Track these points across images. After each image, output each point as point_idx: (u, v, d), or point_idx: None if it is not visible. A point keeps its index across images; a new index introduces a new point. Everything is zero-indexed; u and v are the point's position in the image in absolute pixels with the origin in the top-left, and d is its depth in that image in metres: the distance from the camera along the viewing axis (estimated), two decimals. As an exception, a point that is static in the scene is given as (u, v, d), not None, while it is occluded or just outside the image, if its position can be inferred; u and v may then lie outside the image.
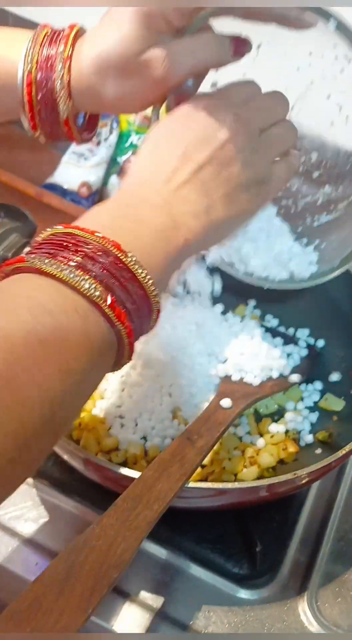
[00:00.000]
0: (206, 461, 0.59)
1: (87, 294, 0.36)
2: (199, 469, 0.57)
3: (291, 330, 0.71)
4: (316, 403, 0.65)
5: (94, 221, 0.41)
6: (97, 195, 1.06)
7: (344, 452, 0.52)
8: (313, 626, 0.54)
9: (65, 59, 0.48)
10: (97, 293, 0.36)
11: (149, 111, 1.01)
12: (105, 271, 0.37)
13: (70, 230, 0.39)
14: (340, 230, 0.57)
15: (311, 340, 0.70)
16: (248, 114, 0.47)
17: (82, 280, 0.36)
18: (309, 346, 0.69)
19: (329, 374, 0.67)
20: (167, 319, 0.64)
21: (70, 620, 0.36)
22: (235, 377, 0.63)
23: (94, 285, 0.36)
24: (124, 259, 0.38)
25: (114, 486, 0.53)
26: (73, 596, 0.37)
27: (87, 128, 0.56)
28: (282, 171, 0.49)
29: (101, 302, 0.37)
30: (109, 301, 0.37)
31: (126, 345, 0.39)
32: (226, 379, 0.62)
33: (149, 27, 0.45)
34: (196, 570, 0.57)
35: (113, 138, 1.06)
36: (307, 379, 0.67)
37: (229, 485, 0.52)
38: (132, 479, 0.47)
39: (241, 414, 0.59)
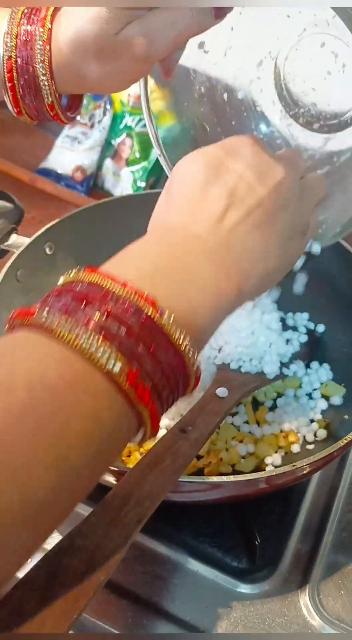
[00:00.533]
0: (202, 452, 0.57)
1: (104, 369, 0.29)
2: (194, 460, 0.55)
3: (289, 315, 0.69)
4: (316, 390, 0.63)
5: (129, 266, 0.35)
6: (92, 179, 1.04)
7: (345, 441, 0.49)
8: (315, 620, 0.52)
9: (45, 41, 0.46)
10: (117, 368, 0.29)
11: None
12: (132, 337, 0.30)
13: (97, 278, 0.32)
14: (341, 193, 0.54)
15: (311, 325, 0.68)
16: (295, 159, 0.44)
17: (99, 350, 0.29)
18: (309, 332, 0.67)
19: (330, 360, 0.65)
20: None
21: (55, 626, 0.34)
22: (233, 366, 0.61)
23: (113, 358, 0.29)
24: (159, 320, 0.31)
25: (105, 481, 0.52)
26: (57, 601, 0.35)
27: (71, 107, 0.54)
28: (314, 221, 0.45)
29: (121, 379, 0.29)
30: (130, 376, 0.30)
31: (148, 427, 0.32)
32: (223, 367, 0.60)
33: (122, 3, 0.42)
34: (194, 565, 0.55)
35: (107, 120, 1.03)
36: (307, 365, 0.64)
37: (226, 478, 0.50)
38: (123, 473, 0.46)
39: (237, 403, 0.56)
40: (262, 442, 0.59)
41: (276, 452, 0.58)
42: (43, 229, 0.63)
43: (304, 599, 0.54)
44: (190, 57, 0.52)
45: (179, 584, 0.54)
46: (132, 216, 0.73)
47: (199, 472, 0.57)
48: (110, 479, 0.48)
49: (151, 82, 0.54)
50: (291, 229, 0.41)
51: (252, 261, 0.38)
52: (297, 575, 0.55)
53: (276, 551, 0.56)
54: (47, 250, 0.65)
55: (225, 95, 0.56)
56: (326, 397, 0.62)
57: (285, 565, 0.56)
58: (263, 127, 0.56)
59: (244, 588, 0.54)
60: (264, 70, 0.54)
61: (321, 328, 0.68)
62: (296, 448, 0.59)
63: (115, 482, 0.45)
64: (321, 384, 0.63)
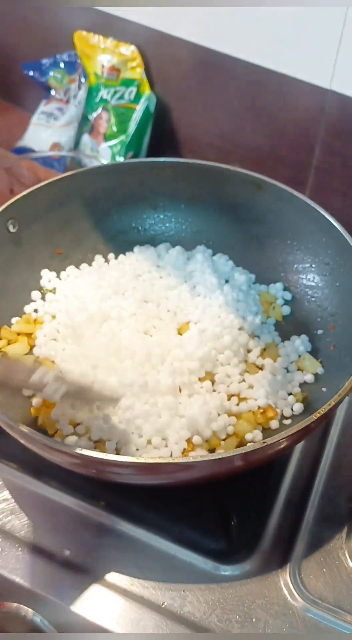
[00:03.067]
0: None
1: None
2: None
3: (263, 287, 0.66)
4: (292, 363, 0.61)
5: None
6: (68, 158, 1.00)
7: (319, 414, 0.47)
8: (297, 601, 0.50)
9: None
10: None
11: (116, 61, 0.95)
12: None
13: None
14: None
15: (288, 296, 0.65)
16: None
17: None
18: (286, 302, 0.64)
19: (310, 330, 0.62)
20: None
21: None
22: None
23: None
24: None
25: (76, 467, 0.50)
26: None
27: None
28: None
29: None
30: None
31: None
32: None
33: None
34: (170, 548, 0.53)
35: (82, 94, 0.99)
36: (285, 338, 0.62)
37: (200, 458, 0.47)
38: (92, 459, 0.44)
39: None
40: (240, 419, 0.56)
41: (255, 429, 0.56)
42: (3, 207, 0.61)
43: (284, 578, 0.52)
44: None
45: (153, 567, 0.52)
46: (96, 187, 0.70)
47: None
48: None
49: None
50: None
51: None
52: (278, 554, 0.53)
53: (256, 530, 0.54)
54: (11, 228, 0.62)
55: None
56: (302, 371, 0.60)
57: (266, 544, 0.54)
58: None
59: (222, 570, 0.52)
60: None
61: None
62: (274, 424, 0.56)
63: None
64: (299, 356, 0.60)
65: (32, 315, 0.64)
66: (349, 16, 0.68)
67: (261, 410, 0.56)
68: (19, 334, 0.62)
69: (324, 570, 0.52)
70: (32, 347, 0.62)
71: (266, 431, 0.57)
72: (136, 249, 0.71)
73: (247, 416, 0.57)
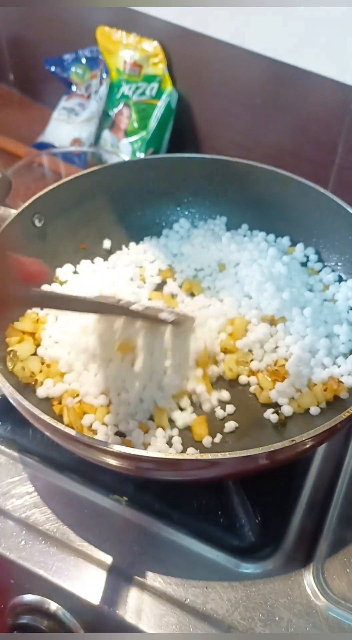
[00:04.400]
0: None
1: None
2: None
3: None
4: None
5: None
6: (88, 154, 1.00)
7: (347, 414, 0.47)
8: (320, 600, 0.50)
9: None
10: None
11: (138, 57, 0.94)
12: None
13: None
14: None
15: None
16: None
17: None
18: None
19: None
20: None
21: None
22: None
23: None
24: None
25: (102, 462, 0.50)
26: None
27: None
28: None
29: None
30: None
31: None
32: None
33: None
34: (193, 545, 0.53)
35: (103, 90, 0.99)
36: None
37: (229, 455, 0.47)
38: (118, 453, 0.44)
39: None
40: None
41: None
42: (29, 201, 0.61)
43: (308, 578, 0.51)
44: None
45: (176, 563, 0.52)
46: (120, 183, 0.70)
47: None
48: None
49: None
50: None
51: None
52: (301, 553, 0.53)
53: (279, 528, 0.54)
54: (36, 222, 0.62)
55: None
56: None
57: (289, 543, 0.53)
58: None
59: (245, 567, 0.52)
60: None
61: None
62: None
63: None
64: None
65: (40, 314, 0.63)
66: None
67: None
68: (23, 333, 0.61)
69: (348, 570, 0.52)
70: (37, 346, 0.61)
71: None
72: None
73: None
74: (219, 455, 0.46)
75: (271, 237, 0.71)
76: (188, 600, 0.50)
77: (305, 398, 0.57)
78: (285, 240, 0.70)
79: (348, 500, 0.56)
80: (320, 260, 0.68)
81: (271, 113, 0.84)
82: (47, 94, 1.06)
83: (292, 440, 0.45)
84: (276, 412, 0.57)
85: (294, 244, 0.69)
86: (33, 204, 0.61)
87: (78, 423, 0.55)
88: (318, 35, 0.73)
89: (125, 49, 0.93)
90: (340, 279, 0.66)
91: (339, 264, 0.66)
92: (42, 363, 0.60)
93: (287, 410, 0.57)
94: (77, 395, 0.57)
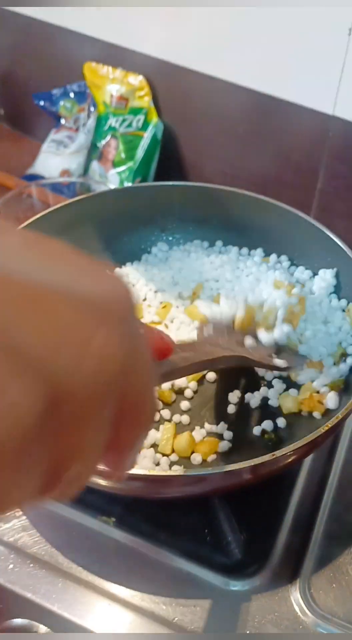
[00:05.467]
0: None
1: None
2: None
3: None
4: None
5: None
6: (77, 184, 1.03)
7: (326, 428, 0.48)
8: (307, 617, 0.50)
9: None
10: None
11: (124, 91, 0.98)
12: None
13: None
14: None
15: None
16: None
17: None
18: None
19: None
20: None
21: None
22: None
23: None
24: None
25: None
26: None
27: None
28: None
29: None
30: None
31: None
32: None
33: None
34: (181, 564, 0.54)
35: (91, 123, 1.02)
36: None
37: (211, 470, 0.48)
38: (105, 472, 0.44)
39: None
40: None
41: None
42: (16, 229, 0.62)
43: (295, 595, 0.52)
44: None
45: (165, 583, 0.53)
46: (107, 211, 0.72)
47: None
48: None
49: None
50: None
51: None
52: (288, 570, 0.53)
53: (265, 545, 0.54)
54: (23, 251, 0.64)
55: None
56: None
57: (275, 560, 0.54)
58: None
59: (232, 585, 0.52)
60: None
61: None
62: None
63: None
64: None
65: None
66: (350, 48, 0.71)
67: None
68: None
69: (334, 585, 0.52)
70: None
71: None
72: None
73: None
74: (203, 471, 0.47)
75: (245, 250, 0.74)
76: (176, 619, 0.50)
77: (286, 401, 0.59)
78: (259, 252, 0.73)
79: (333, 516, 0.56)
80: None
81: (254, 142, 0.87)
82: (37, 127, 1.09)
83: (273, 455, 0.45)
84: (264, 432, 0.58)
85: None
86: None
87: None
88: (296, 68, 0.76)
89: (111, 83, 0.96)
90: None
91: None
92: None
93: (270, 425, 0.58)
94: None
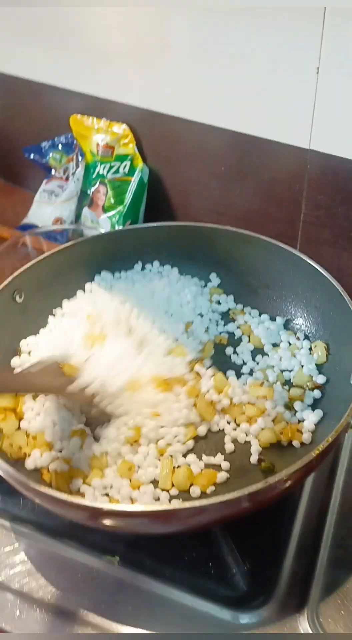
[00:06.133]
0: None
1: None
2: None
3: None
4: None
5: None
6: (70, 231, 1.06)
7: (317, 451, 0.48)
8: (316, 644, 0.50)
9: None
10: None
11: (110, 140, 1.01)
12: None
13: None
14: None
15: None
16: None
17: None
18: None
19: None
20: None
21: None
22: None
23: None
24: None
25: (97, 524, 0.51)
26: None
27: None
28: None
29: None
30: None
31: None
32: None
33: None
34: (187, 599, 0.54)
35: (80, 171, 1.06)
36: None
37: (213, 499, 0.48)
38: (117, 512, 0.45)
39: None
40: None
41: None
42: (7, 280, 0.64)
43: (303, 624, 0.52)
44: None
45: (172, 620, 0.52)
46: (98, 255, 0.74)
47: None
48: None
49: None
50: None
51: None
52: (295, 599, 0.53)
53: (270, 574, 0.54)
54: (17, 299, 0.66)
55: None
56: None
57: (281, 589, 0.54)
58: None
59: (240, 618, 0.52)
60: None
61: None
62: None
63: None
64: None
65: None
66: (320, 82, 0.74)
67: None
68: (5, 409, 0.62)
69: (342, 612, 0.52)
70: (19, 420, 0.62)
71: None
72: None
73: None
74: (199, 503, 0.47)
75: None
76: (184, 656, 0.50)
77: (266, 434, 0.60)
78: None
79: (337, 541, 0.56)
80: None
81: (237, 179, 0.90)
82: (28, 179, 1.13)
83: (266, 482, 0.46)
84: (261, 460, 0.59)
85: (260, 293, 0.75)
86: (12, 282, 0.65)
87: (66, 487, 0.57)
88: (271, 107, 0.80)
89: (97, 133, 1.00)
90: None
91: (307, 311, 0.69)
92: (28, 436, 0.61)
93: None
94: (69, 461, 0.59)
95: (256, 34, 0.75)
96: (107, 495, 0.56)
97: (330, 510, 0.58)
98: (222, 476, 0.57)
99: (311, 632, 0.51)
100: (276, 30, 0.73)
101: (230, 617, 0.52)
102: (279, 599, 0.53)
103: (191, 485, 0.57)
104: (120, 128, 0.97)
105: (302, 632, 0.51)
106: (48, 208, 1.07)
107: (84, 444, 0.60)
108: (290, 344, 0.69)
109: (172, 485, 0.57)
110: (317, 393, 0.63)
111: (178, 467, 0.58)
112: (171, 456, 0.59)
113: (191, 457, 0.59)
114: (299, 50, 0.73)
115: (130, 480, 0.57)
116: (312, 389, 0.63)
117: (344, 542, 0.56)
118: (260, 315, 0.73)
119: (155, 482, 0.57)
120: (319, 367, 0.66)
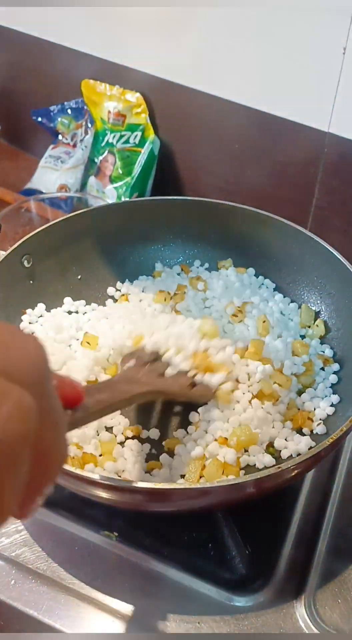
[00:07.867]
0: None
1: None
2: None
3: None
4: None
5: None
6: (75, 199, 1.04)
7: (331, 440, 0.48)
8: (313, 632, 0.50)
9: None
10: None
11: (122, 108, 0.99)
12: None
13: None
14: None
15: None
16: None
17: None
18: None
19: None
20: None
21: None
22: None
23: None
24: None
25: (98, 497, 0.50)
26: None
27: None
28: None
29: None
30: None
31: None
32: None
33: None
34: (185, 579, 0.53)
35: (89, 138, 1.03)
36: None
37: (217, 483, 0.48)
38: (114, 487, 0.44)
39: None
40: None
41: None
42: (17, 243, 0.63)
43: (300, 610, 0.51)
44: None
45: (169, 599, 0.52)
46: (106, 225, 0.73)
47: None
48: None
49: None
50: None
51: None
52: (292, 585, 0.53)
53: (270, 560, 0.54)
54: (25, 263, 0.64)
55: None
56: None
57: (279, 575, 0.54)
58: None
59: (237, 601, 0.52)
60: None
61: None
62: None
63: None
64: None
65: None
66: (345, 63, 0.72)
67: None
68: None
69: (339, 601, 0.52)
70: None
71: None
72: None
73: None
74: (208, 484, 0.46)
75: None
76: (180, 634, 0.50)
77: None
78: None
79: (337, 530, 0.56)
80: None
81: (250, 158, 0.88)
82: (34, 143, 1.10)
83: (278, 467, 0.45)
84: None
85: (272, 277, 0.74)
86: (22, 246, 0.63)
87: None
88: (292, 86, 0.78)
89: (109, 100, 0.97)
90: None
91: (320, 297, 0.69)
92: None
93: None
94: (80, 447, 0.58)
95: (283, 10, 0.72)
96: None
97: (331, 500, 0.58)
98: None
99: (307, 617, 0.51)
100: (305, 7, 0.71)
101: (227, 599, 0.52)
102: (276, 584, 0.53)
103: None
104: (133, 96, 0.94)
105: (298, 617, 0.51)
106: (53, 174, 1.04)
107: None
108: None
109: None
110: (333, 378, 0.62)
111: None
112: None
113: (213, 446, 0.57)
114: (327, 29, 0.71)
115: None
116: (323, 367, 0.63)
117: (343, 533, 0.56)
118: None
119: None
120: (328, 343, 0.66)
